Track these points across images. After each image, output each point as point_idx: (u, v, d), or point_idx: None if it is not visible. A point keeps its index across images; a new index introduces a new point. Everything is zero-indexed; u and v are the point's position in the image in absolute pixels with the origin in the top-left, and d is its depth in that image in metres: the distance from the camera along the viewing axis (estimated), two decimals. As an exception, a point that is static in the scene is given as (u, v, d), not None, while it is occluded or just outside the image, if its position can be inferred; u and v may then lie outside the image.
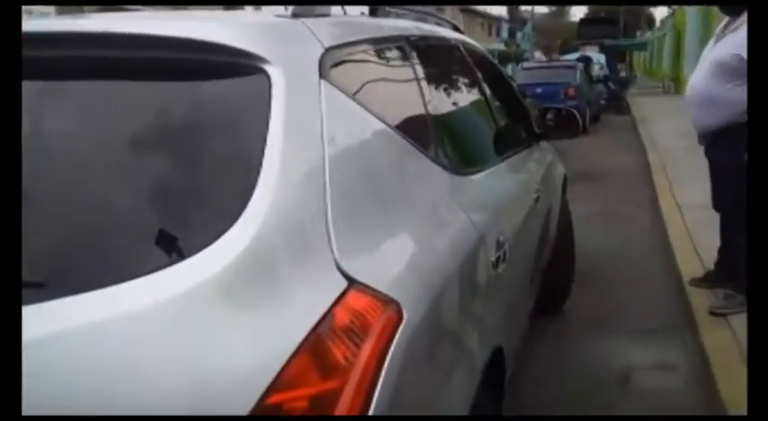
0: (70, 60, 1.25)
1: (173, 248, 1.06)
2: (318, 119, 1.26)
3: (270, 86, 1.20)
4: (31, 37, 1.24)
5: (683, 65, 18.82)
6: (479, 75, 2.68)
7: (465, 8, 47.75)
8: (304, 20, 1.43)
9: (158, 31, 1.26)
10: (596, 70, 16.70)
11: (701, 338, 3.24)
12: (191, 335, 0.99)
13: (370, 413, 1.04)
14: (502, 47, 48.92)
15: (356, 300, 1.10)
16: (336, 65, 1.41)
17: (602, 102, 15.44)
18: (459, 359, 1.49)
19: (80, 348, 0.99)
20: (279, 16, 1.46)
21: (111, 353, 0.99)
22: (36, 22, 1.39)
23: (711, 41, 3.48)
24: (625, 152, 9.88)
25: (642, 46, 27.41)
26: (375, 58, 1.72)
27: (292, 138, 1.18)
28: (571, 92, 12.44)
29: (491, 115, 2.69)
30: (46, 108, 1.26)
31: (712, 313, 3.43)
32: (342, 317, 1.07)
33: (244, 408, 0.96)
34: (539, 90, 11.99)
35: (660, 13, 46.02)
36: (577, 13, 70.95)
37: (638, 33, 39.44)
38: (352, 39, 1.57)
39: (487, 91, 2.72)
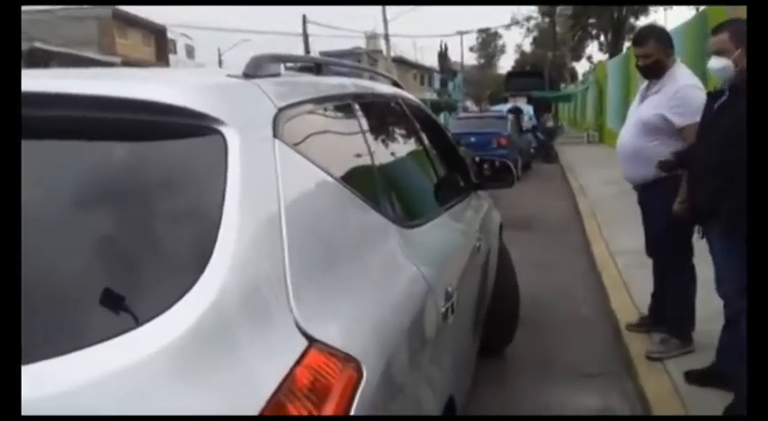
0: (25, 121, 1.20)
1: (126, 315, 1.01)
2: (274, 179, 1.27)
3: (225, 148, 1.20)
4: None
5: (606, 116, 19.78)
6: (419, 128, 2.77)
7: (398, 60, 48.93)
8: (256, 80, 1.45)
9: (115, 91, 1.23)
10: (526, 121, 17.33)
11: (640, 382, 3.31)
12: (143, 409, 0.94)
13: None
14: (434, 97, 50.24)
15: (316, 360, 1.10)
16: (289, 124, 1.42)
17: (532, 151, 15.99)
18: (415, 412, 1.51)
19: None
20: (231, 76, 1.46)
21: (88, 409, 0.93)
22: None
23: (636, 100, 3.69)
24: (556, 199, 10.20)
25: (567, 98, 28.70)
26: (324, 117, 1.75)
27: (249, 201, 1.18)
28: (503, 141, 12.82)
29: (432, 167, 2.78)
30: None
31: (649, 357, 3.52)
32: (303, 377, 1.06)
33: None
34: (472, 139, 12.30)
35: (582, 67, 48.49)
36: (505, 65, 73.88)
37: (561, 86, 41.33)
38: (302, 98, 1.59)
39: (427, 144, 2.81)
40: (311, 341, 1.12)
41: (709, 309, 3.29)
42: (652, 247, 3.70)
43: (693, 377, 3.19)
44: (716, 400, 2.93)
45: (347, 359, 1.15)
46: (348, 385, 1.12)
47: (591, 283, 5.36)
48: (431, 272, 1.84)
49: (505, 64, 73.31)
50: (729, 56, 2.72)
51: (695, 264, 3.51)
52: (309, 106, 1.62)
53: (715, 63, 2.77)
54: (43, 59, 28.36)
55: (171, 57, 43.46)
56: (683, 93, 3.28)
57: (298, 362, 1.07)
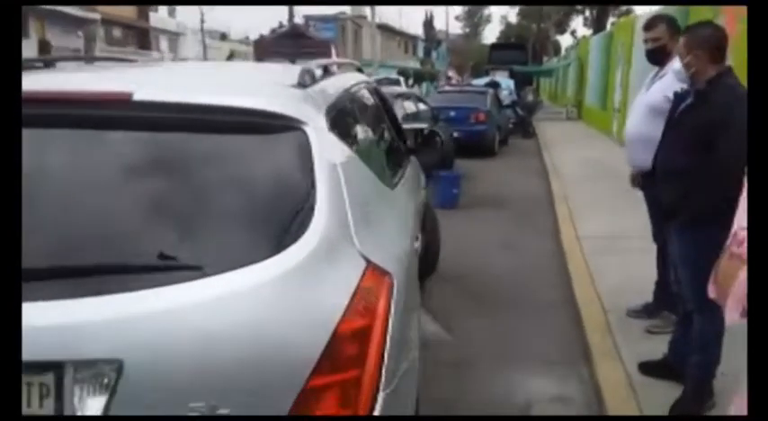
0: (178, 122, 1.77)
1: (277, 246, 1.63)
2: (336, 160, 1.87)
3: (308, 140, 1.82)
4: (153, 105, 1.77)
5: (586, 93, 19.82)
6: (383, 108, 3.55)
7: (383, 26, 48.34)
8: (308, 90, 2.06)
9: (233, 102, 1.81)
10: (505, 95, 17.26)
11: (596, 371, 3.39)
12: (295, 291, 1.59)
13: (388, 338, 1.67)
14: (417, 66, 49.77)
15: (372, 273, 1.73)
16: (331, 120, 2.01)
17: (510, 126, 15.98)
18: (413, 311, 2.22)
19: (240, 299, 1.55)
20: (292, 86, 2.05)
21: (257, 300, 1.56)
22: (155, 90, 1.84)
23: (643, 89, 3.72)
24: (530, 177, 10.25)
25: (548, 73, 28.63)
26: (344, 111, 2.37)
27: (326, 174, 1.79)
28: (481, 116, 12.78)
29: (393, 139, 3.53)
30: (174, 163, 1.75)
31: (649, 331, 3.72)
32: (366, 284, 1.69)
33: (328, 333, 1.56)
34: (452, 113, 12.20)
35: (566, 41, 48.28)
36: (490, 35, 73.44)
37: (545, 59, 41.20)
38: (331, 100, 2.18)
39: (388, 120, 3.57)
40: (368, 262, 1.74)
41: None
42: (658, 235, 3.66)
43: (646, 368, 3.27)
44: (666, 391, 3.01)
45: (386, 272, 1.78)
46: (388, 289, 1.75)
47: (556, 268, 5.42)
48: (410, 221, 2.69)
49: (490, 34, 72.80)
50: (681, 59, 2.76)
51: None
52: (335, 105, 2.22)
53: (677, 64, 2.77)
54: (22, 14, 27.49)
55: (151, 14, 42.41)
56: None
57: (362, 275, 1.69)
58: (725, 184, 2.26)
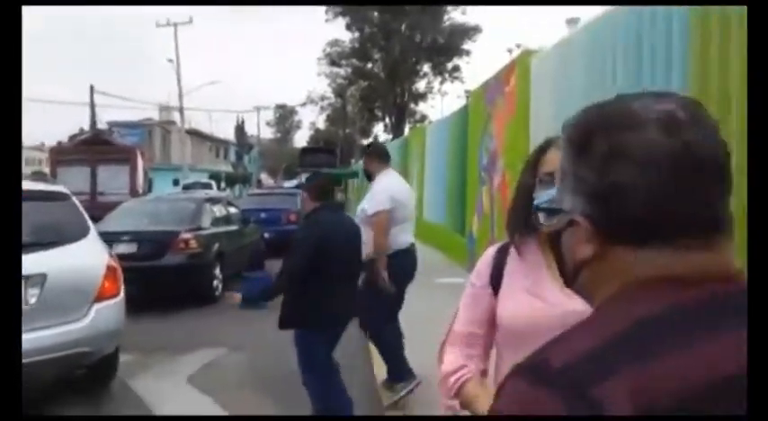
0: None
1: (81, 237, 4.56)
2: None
3: (76, 203, 4.77)
4: None
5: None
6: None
7: (193, 131, 48.24)
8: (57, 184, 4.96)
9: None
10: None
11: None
12: (97, 254, 4.59)
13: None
14: (230, 169, 50.03)
15: (111, 256, 4.55)
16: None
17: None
18: None
19: (77, 254, 4.41)
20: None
21: (83, 253, 4.43)
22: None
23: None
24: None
25: (354, 174, 30.19)
26: None
27: (85, 216, 4.79)
28: (292, 217, 13.17)
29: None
30: None
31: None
32: (112, 260, 4.64)
33: (105, 266, 4.36)
34: (263, 215, 12.44)
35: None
36: (300, 140, 75.96)
37: (352, 161, 43.47)
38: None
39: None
40: (109, 254, 4.69)
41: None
42: None
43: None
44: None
45: (114, 258, 4.64)
46: (115, 262, 4.66)
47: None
48: None
49: (301, 139, 75.45)
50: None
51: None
52: None
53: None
54: None
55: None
56: (373, 190, 4.47)
57: (109, 255, 4.62)
58: None
